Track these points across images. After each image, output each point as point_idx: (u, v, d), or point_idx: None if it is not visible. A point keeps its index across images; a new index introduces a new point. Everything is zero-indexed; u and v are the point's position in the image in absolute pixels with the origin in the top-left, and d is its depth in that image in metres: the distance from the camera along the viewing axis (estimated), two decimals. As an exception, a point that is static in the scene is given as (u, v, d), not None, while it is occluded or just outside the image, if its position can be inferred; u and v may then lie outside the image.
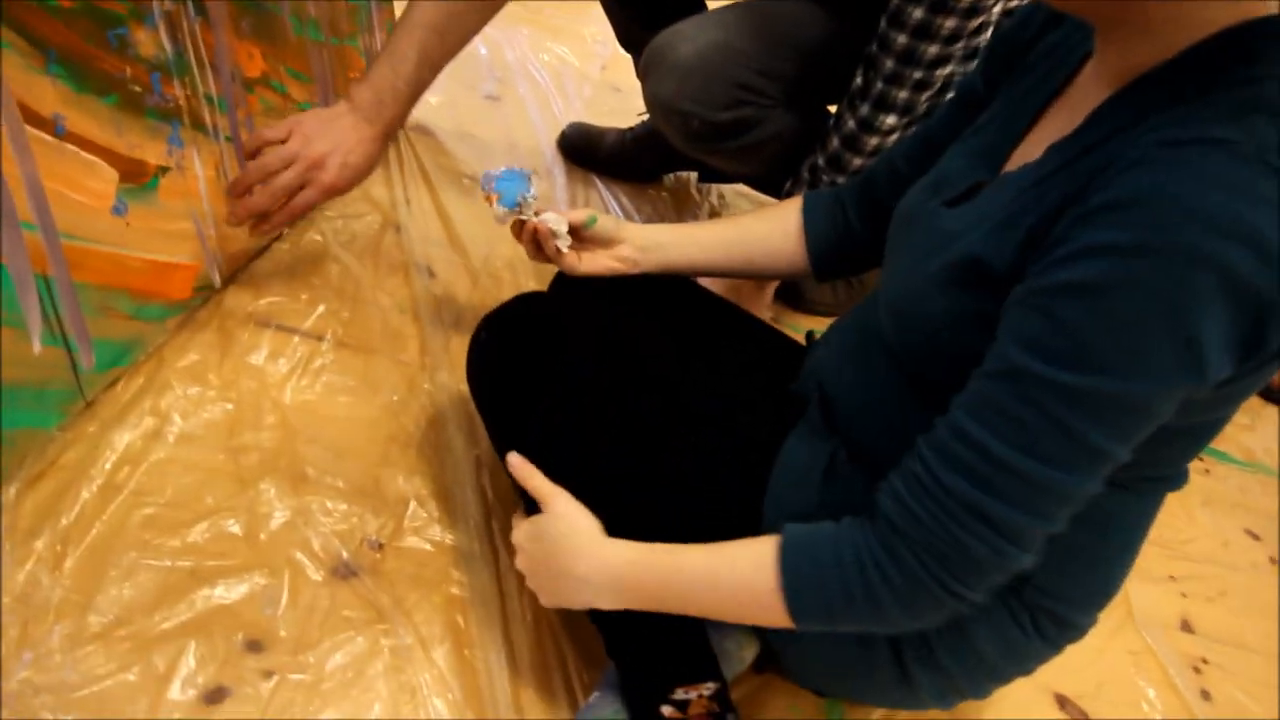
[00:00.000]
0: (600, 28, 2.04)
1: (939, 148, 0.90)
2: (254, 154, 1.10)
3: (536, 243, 1.03)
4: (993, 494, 0.61)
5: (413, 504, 1.07)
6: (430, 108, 1.65)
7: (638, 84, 1.93)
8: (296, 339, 1.19)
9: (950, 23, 1.13)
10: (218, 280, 1.19)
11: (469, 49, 1.85)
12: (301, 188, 1.09)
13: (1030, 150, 0.74)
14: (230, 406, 1.08)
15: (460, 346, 1.24)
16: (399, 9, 1.75)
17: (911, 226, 0.82)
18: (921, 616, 0.67)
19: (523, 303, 0.97)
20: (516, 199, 0.98)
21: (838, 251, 1.04)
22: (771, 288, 1.42)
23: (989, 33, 1.18)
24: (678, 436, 0.89)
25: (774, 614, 0.71)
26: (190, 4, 1.03)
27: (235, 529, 0.97)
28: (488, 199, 1.00)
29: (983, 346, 0.65)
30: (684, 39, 1.22)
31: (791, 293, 1.52)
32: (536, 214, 1.00)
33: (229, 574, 0.93)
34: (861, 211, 1.02)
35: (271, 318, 1.20)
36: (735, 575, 0.73)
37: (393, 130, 1.14)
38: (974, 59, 1.18)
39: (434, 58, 1.14)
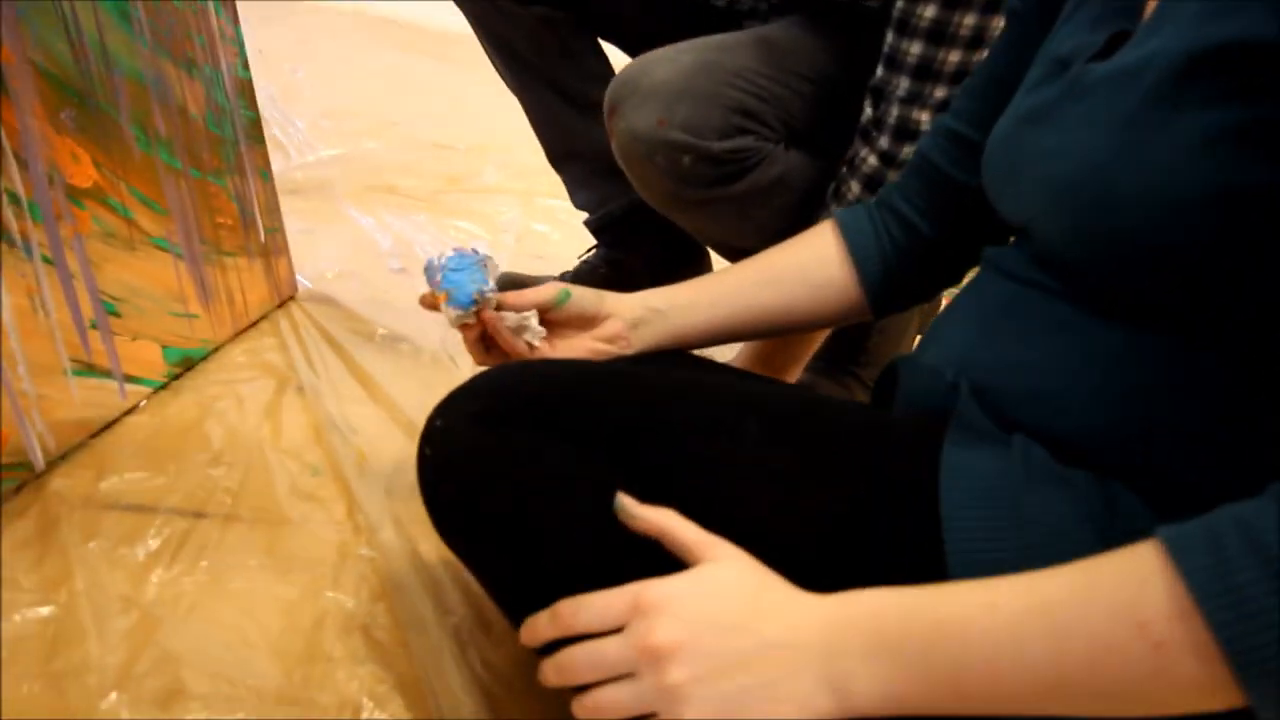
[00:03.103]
0: (505, 204, 1.86)
1: (1013, 89, 0.67)
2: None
3: (488, 342, 0.73)
4: None
5: (368, 706, 0.66)
6: (328, 282, 1.37)
7: (560, 249, 1.73)
8: (160, 519, 0.80)
9: (970, 19, 0.94)
10: (39, 458, 0.82)
11: (366, 236, 1.63)
12: None
13: None
14: (49, 611, 0.68)
15: (407, 502, 0.88)
16: (275, 154, 1.52)
17: (1050, 114, 0.58)
18: None
19: (502, 374, 0.64)
20: (472, 295, 0.69)
21: (902, 266, 0.78)
22: (807, 356, 1.12)
23: None
24: (799, 476, 0.58)
25: (1189, 676, 0.39)
26: (-24, 62, 0.76)
27: (56, 793, 0.55)
28: (434, 298, 0.71)
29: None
30: (662, 62, 1.00)
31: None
32: (497, 309, 0.72)
33: None
34: (925, 203, 0.77)
35: (122, 497, 0.82)
36: (1100, 605, 0.40)
37: None
38: None
39: None
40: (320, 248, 1.45)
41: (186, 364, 1.04)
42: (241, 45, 1.14)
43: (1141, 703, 0.40)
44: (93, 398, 0.89)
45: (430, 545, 0.83)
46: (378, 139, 2.03)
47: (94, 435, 0.89)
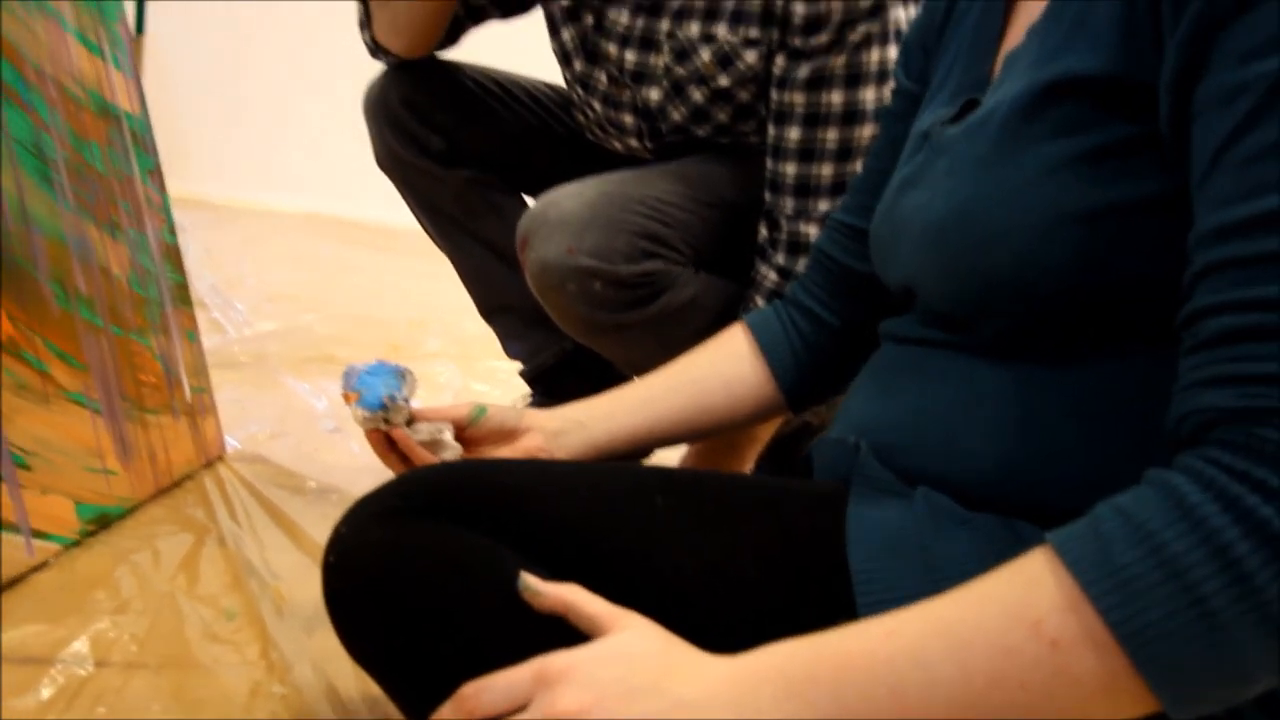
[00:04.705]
0: (444, 367, 1.87)
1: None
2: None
3: (402, 456, 0.74)
4: None
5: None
6: (259, 443, 1.35)
7: (503, 388, 1.73)
8: (55, 670, 0.75)
9: (833, 134, 1.02)
10: (-72, 614, 0.77)
11: (301, 400, 1.61)
12: None
13: (1017, 36, 0.60)
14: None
15: (327, 638, 0.84)
16: (202, 318, 1.52)
17: (919, 177, 0.64)
18: None
19: (406, 475, 0.64)
20: (382, 398, 0.71)
21: (812, 357, 0.81)
22: (753, 455, 1.11)
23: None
24: (708, 544, 0.58)
25: (1089, 671, 0.38)
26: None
27: None
28: (346, 398, 0.73)
29: (1111, 188, 0.48)
30: (569, 195, 1.05)
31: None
32: (410, 423, 0.73)
33: None
34: (826, 295, 0.80)
35: (15, 651, 0.77)
36: (995, 613, 0.40)
37: None
38: None
39: None
40: (252, 412, 1.45)
41: (102, 521, 1.00)
42: (168, 212, 1.18)
43: (1050, 712, 0.39)
44: (-5, 553, 0.85)
45: (349, 681, 0.78)
46: (317, 313, 2.06)
47: (-8, 593, 0.85)
